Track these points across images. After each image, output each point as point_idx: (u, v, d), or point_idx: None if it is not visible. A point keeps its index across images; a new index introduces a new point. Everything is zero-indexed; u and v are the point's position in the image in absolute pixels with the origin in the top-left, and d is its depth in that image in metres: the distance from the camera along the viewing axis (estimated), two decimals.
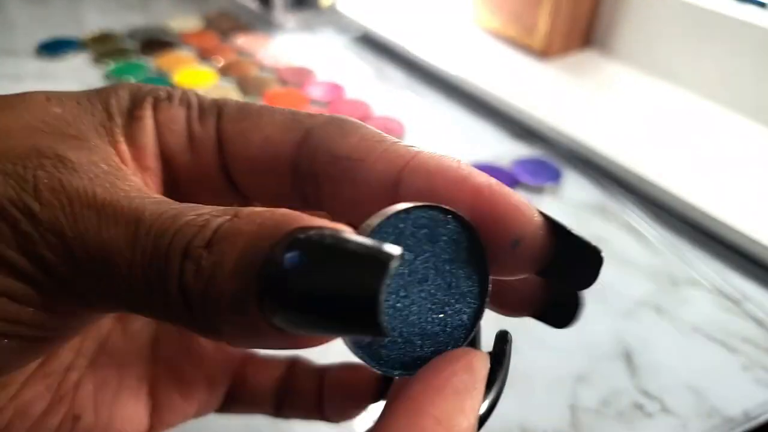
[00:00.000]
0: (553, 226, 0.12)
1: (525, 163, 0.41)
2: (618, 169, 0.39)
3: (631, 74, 0.50)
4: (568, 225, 0.12)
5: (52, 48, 0.52)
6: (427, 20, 0.56)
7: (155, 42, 0.53)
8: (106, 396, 0.16)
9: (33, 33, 0.54)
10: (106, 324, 0.17)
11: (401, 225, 0.11)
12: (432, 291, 0.12)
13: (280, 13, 0.58)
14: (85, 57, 0.51)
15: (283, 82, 0.49)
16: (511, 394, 0.27)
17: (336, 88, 0.49)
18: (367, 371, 0.18)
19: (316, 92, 0.48)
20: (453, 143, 0.44)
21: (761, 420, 0.26)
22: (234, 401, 0.19)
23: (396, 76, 0.52)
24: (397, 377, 0.12)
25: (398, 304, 0.11)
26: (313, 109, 0.46)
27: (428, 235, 0.11)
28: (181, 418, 0.17)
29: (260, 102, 0.46)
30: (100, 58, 0.51)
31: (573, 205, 0.38)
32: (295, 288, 0.09)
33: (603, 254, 0.12)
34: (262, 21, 0.59)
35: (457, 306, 0.12)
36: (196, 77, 0.49)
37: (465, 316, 0.12)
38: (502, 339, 0.13)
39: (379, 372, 0.12)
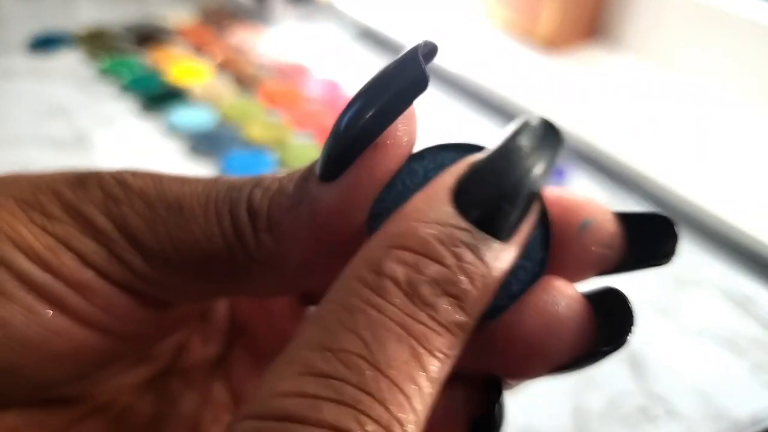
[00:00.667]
0: (621, 215, 0.12)
1: None
2: (623, 167, 0.39)
3: (638, 68, 0.49)
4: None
5: (45, 44, 0.51)
6: (427, 14, 0.55)
7: (150, 37, 0.52)
8: None
9: (25, 27, 0.53)
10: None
11: None
12: None
13: (277, 8, 0.57)
14: (79, 53, 0.50)
15: (280, 78, 0.49)
16: (517, 397, 0.26)
17: (333, 85, 0.48)
18: None
19: (312, 89, 0.47)
20: (455, 140, 0.43)
21: None
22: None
23: None
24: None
25: None
26: (312, 109, 0.46)
27: None
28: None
29: (255, 97, 0.46)
30: (93, 54, 0.50)
31: None
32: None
33: (676, 224, 0.11)
34: (258, 16, 0.58)
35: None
36: (192, 73, 0.48)
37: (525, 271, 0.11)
38: None
39: None
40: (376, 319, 0.09)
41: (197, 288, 0.12)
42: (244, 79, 0.48)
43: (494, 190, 0.10)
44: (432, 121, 0.45)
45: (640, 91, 0.46)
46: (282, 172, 0.12)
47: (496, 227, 0.10)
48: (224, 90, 0.46)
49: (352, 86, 0.48)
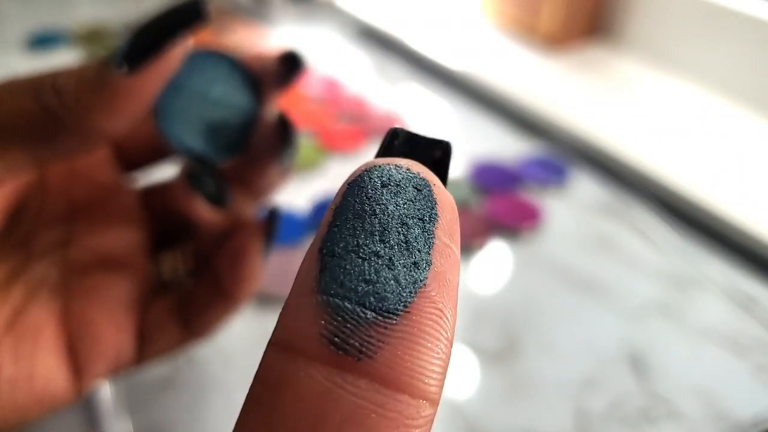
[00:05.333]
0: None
1: (529, 160, 0.40)
2: (625, 167, 0.39)
3: (638, 67, 0.49)
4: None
5: (42, 42, 0.50)
6: (427, 12, 0.55)
7: None
8: (25, 350, 0.17)
9: (22, 25, 0.53)
10: (15, 291, 0.18)
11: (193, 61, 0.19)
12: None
13: (277, 7, 0.57)
14: (77, 51, 0.50)
15: None
16: (517, 399, 0.26)
17: (333, 84, 0.48)
18: None
19: (312, 88, 0.47)
20: (454, 139, 0.43)
21: None
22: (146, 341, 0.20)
23: (396, 70, 0.51)
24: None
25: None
26: (312, 107, 0.45)
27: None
28: (104, 366, 0.18)
29: None
30: (91, 51, 0.49)
31: (578, 205, 0.38)
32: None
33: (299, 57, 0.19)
34: (258, 15, 0.58)
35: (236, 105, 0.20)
36: None
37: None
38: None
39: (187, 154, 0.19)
40: None
41: (18, 159, 0.15)
42: None
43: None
44: (430, 123, 0.45)
45: (642, 89, 0.46)
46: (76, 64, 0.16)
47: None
48: None
49: (352, 84, 0.48)
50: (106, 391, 0.25)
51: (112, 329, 0.18)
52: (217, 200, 0.20)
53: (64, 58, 0.49)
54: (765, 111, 0.43)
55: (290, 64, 0.20)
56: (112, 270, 0.19)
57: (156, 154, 0.21)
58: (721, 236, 0.35)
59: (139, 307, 0.19)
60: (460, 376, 0.27)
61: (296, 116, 0.44)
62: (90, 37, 0.52)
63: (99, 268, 0.19)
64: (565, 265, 0.33)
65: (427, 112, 0.46)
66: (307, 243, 0.33)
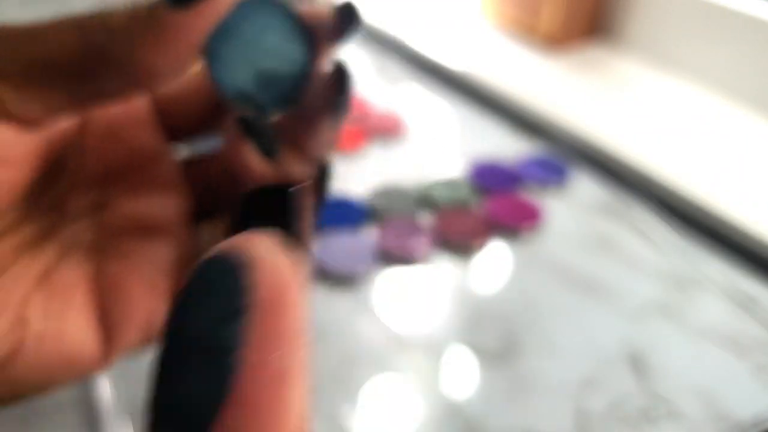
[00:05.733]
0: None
1: (529, 160, 0.40)
2: (625, 167, 0.39)
3: (638, 67, 0.49)
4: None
5: None
6: (429, 13, 0.55)
7: None
8: (55, 308, 0.16)
9: None
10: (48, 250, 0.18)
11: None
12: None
13: None
14: None
15: None
16: (517, 399, 0.26)
17: None
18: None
19: None
20: (455, 139, 0.43)
21: None
22: None
23: (397, 71, 0.51)
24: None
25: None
26: None
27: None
28: (135, 331, 0.18)
29: None
30: None
31: (578, 205, 0.38)
32: None
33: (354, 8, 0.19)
34: None
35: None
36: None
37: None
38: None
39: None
40: None
41: (60, 98, 0.15)
42: None
43: None
44: (431, 123, 0.45)
45: (642, 89, 0.46)
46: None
47: None
48: None
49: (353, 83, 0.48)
50: (106, 391, 0.26)
51: (146, 293, 0.18)
52: (269, 150, 0.20)
53: None
54: (765, 111, 0.43)
55: (346, 18, 0.19)
56: (148, 236, 0.19)
57: (201, 125, 0.21)
58: (721, 236, 0.35)
59: (175, 275, 0.19)
60: (460, 376, 0.27)
61: None
62: None
63: (135, 233, 0.19)
64: (565, 265, 0.33)
65: (428, 113, 0.46)
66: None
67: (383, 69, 0.51)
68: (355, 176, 0.38)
